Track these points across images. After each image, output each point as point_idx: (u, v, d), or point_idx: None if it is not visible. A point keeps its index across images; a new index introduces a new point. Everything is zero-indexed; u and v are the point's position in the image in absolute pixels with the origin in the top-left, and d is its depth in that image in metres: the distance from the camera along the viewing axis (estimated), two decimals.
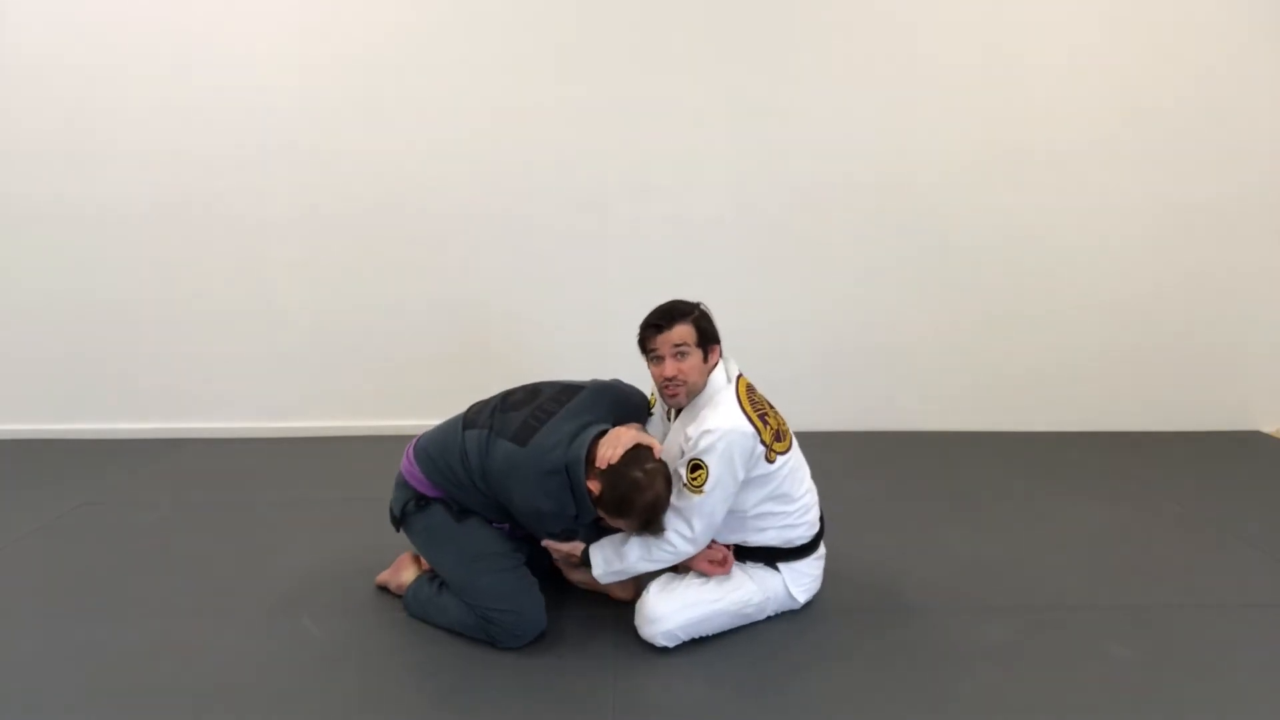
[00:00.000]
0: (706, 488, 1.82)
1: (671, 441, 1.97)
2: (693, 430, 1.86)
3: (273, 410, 3.65)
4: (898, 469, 3.23)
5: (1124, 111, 3.44)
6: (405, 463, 2.06)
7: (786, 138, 3.46)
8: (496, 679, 1.80)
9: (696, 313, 1.94)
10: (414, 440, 2.09)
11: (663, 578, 1.96)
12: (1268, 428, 3.74)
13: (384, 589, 2.18)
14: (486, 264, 3.54)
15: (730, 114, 3.44)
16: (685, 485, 1.84)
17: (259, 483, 3.11)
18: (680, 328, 1.89)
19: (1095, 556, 2.40)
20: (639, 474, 1.76)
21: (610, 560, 1.91)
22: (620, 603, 2.08)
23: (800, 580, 2.03)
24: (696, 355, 1.90)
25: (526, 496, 1.84)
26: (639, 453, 1.80)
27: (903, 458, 3.36)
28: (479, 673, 1.82)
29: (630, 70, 3.40)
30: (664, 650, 1.89)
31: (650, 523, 1.81)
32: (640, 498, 1.76)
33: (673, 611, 1.87)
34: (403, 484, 2.06)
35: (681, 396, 1.92)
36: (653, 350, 1.91)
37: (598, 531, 1.99)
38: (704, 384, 1.94)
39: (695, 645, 1.91)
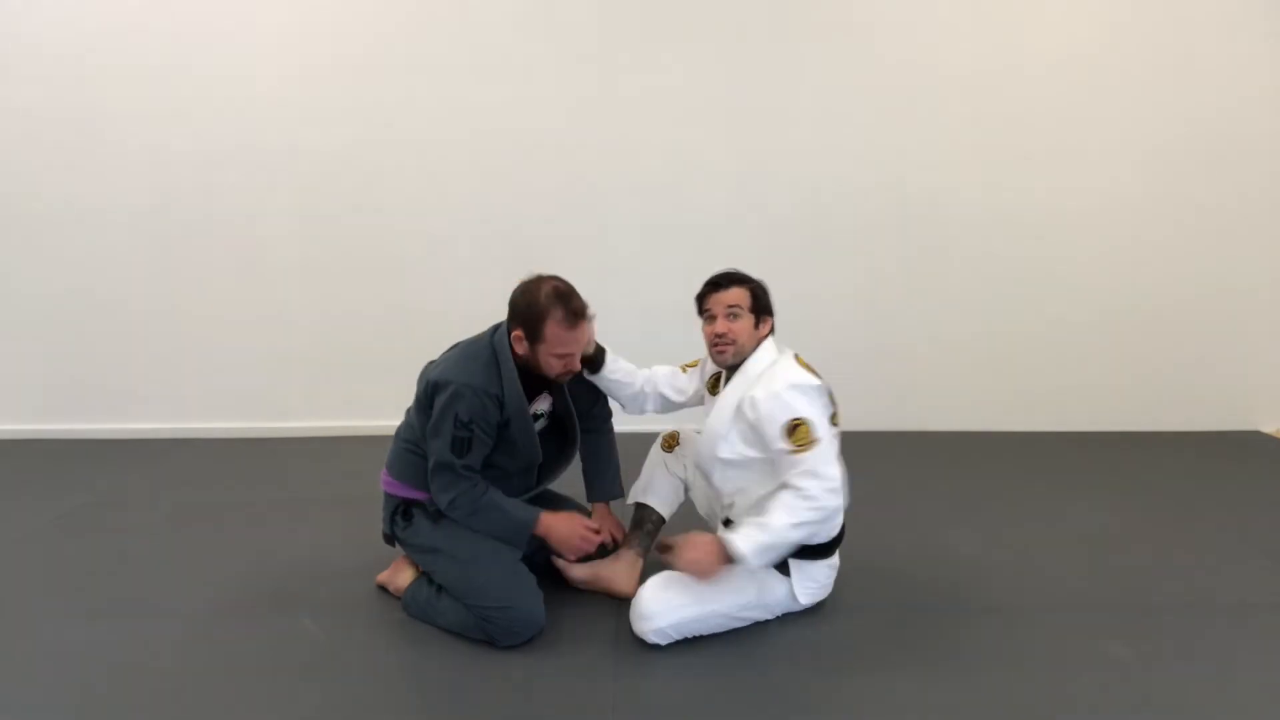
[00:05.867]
0: (817, 434, 1.83)
1: (716, 418, 1.98)
2: (759, 393, 1.88)
3: (273, 410, 3.65)
4: (899, 469, 3.23)
5: (1125, 112, 3.45)
6: (383, 478, 2.12)
7: (787, 138, 3.46)
8: (496, 679, 1.79)
9: (754, 282, 2.03)
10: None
11: (665, 573, 1.95)
12: (1268, 428, 3.74)
13: (384, 589, 2.18)
14: (486, 263, 3.54)
15: (731, 114, 3.44)
16: (793, 448, 1.81)
17: (259, 483, 3.10)
18: (736, 290, 1.98)
19: (1095, 556, 2.40)
20: (523, 283, 1.90)
21: (750, 536, 1.76)
22: (621, 600, 2.08)
23: (807, 585, 2.00)
24: (748, 319, 1.97)
25: (455, 391, 1.86)
26: None
27: (904, 458, 3.36)
28: (479, 672, 1.82)
29: (631, 70, 3.40)
30: (664, 649, 1.88)
31: (570, 307, 1.85)
32: (540, 287, 1.86)
33: (666, 610, 1.86)
34: (385, 497, 2.11)
35: (729, 354, 1.97)
36: (707, 310, 2.00)
37: (545, 502, 2.08)
38: (751, 349, 1.98)
39: (695, 644, 1.91)
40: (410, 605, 2.06)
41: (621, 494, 2.27)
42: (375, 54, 3.37)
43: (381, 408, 3.61)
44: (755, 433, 1.91)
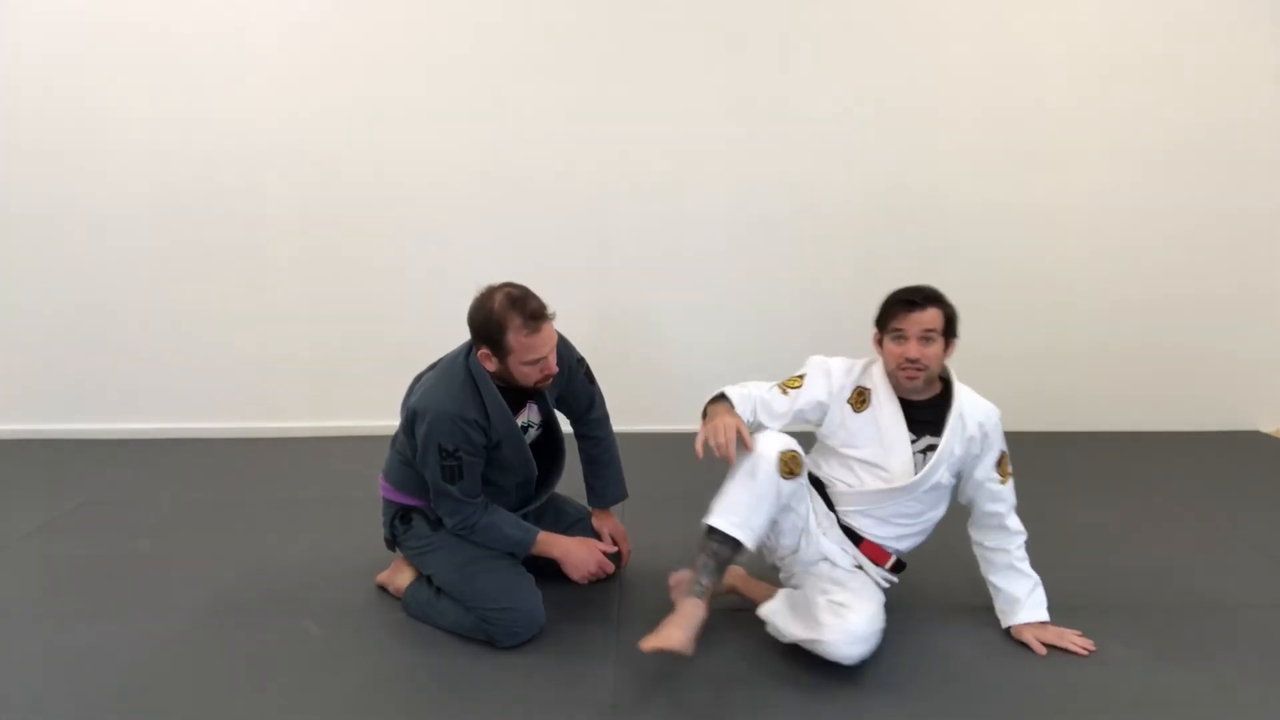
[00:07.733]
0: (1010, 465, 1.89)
1: (946, 450, 1.85)
2: (986, 422, 1.88)
3: (273, 410, 3.65)
4: None
5: (1127, 113, 3.44)
6: (381, 484, 2.11)
7: (787, 137, 3.46)
8: (496, 679, 1.80)
9: (948, 302, 1.87)
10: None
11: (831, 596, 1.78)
12: (1268, 428, 3.74)
13: (384, 589, 2.18)
14: (486, 264, 3.51)
15: (730, 113, 3.44)
16: (1002, 479, 1.89)
17: (259, 483, 3.11)
18: (933, 310, 1.83)
19: (1095, 556, 2.40)
20: (475, 299, 1.85)
21: (1037, 605, 1.92)
22: (619, 604, 2.09)
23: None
24: (940, 344, 1.84)
25: (432, 420, 1.83)
26: None
27: None
28: (479, 673, 1.82)
29: (630, 70, 3.40)
30: (664, 651, 1.86)
31: (527, 312, 1.80)
32: (492, 299, 1.81)
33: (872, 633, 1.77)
34: (383, 503, 2.11)
35: (920, 381, 1.85)
36: (898, 330, 1.83)
37: (544, 516, 2.08)
38: (937, 374, 1.90)
39: (695, 645, 1.88)
40: (410, 605, 2.06)
41: (625, 496, 2.25)
42: (376, 53, 3.37)
43: (381, 408, 3.60)
44: (963, 463, 1.89)
